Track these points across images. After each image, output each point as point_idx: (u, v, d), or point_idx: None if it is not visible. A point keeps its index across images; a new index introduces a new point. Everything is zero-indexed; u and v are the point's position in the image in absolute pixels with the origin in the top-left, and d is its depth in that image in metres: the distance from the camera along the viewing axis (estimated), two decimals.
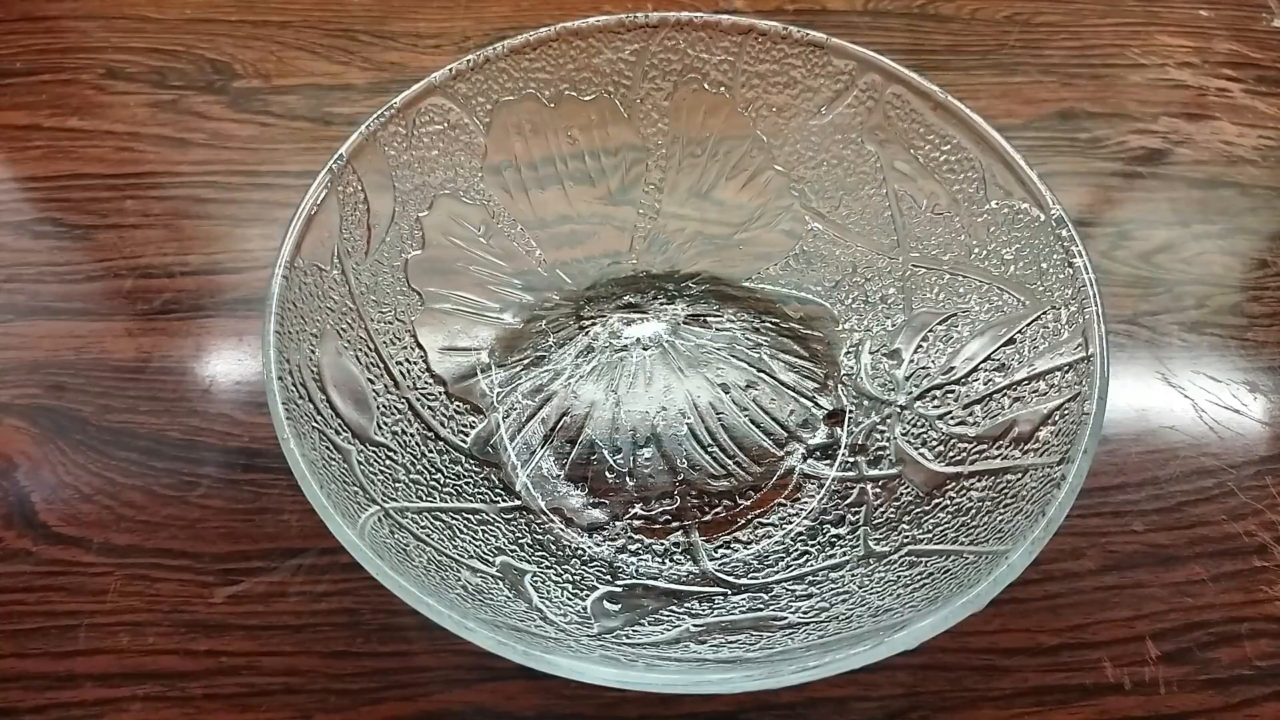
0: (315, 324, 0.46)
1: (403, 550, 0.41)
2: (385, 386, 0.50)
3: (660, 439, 0.55)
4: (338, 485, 0.41)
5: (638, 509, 0.52)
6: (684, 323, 0.59)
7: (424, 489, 0.47)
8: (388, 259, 0.52)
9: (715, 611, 0.46)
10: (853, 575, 0.46)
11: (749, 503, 0.53)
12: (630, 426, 0.55)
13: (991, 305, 0.51)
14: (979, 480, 0.46)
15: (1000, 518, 0.43)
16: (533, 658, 0.36)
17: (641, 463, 0.54)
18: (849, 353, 0.57)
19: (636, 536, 0.51)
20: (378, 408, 0.48)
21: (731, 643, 0.43)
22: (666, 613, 0.47)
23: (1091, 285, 0.46)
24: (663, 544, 0.51)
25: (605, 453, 0.54)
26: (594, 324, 0.59)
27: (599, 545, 0.50)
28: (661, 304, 0.60)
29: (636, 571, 0.49)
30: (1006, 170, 0.50)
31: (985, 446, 0.47)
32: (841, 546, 0.48)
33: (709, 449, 0.55)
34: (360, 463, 0.45)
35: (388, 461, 0.47)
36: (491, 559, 0.47)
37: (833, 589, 0.46)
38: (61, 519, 0.54)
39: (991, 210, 0.51)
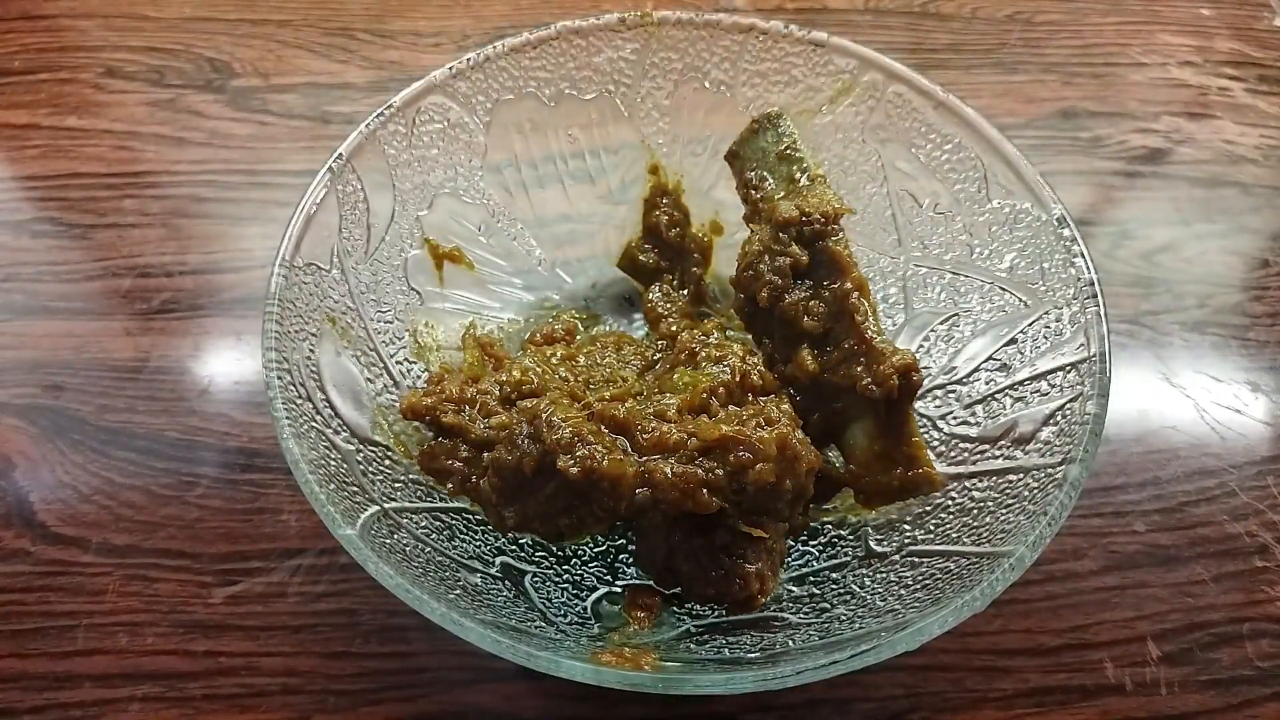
0: (314, 323, 0.46)
1: (402, 550, 0.41)
2: (385, 386, 0.50)
3: None
4: (337, 485, 0.41)
5: None
6: None
7: (424, 489, 0.47)
8: (387, 258, 0.52)
9: (716, 612, 0.46)
10: (854, 575, 0.46)
11: None
12: None
13: (993, 305, 0.51)
14: (980, 480, 0.46)
15: (1002, 518, 0.42)
16: (533, 658, 0.36)
17: None
18: None
19: None
20: (377, 407, 0.48)
21: (732, 643, 0.43)
22: (667, 613, 0.47)
23: (1094, 285, 0.46)
24: None
25: None
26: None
27: (599, 545, 0.50)
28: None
29: (637, 572, 0.49)
30: (1008, 169, 0.50)
31: (987, 447, 0.47)
32: (843, 546, 0.48)
33: None
34: (360, 463, 0.44)
35: (387, 461, 0.47)
36: (491, 559, 0.46)
37: (834, 589, 0.46)
38: (60, 519, 0.54)
39: (993, 210, 0.51)
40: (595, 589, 0.48)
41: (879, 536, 0.47)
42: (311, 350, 0.45)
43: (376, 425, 0.47)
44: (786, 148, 0.49)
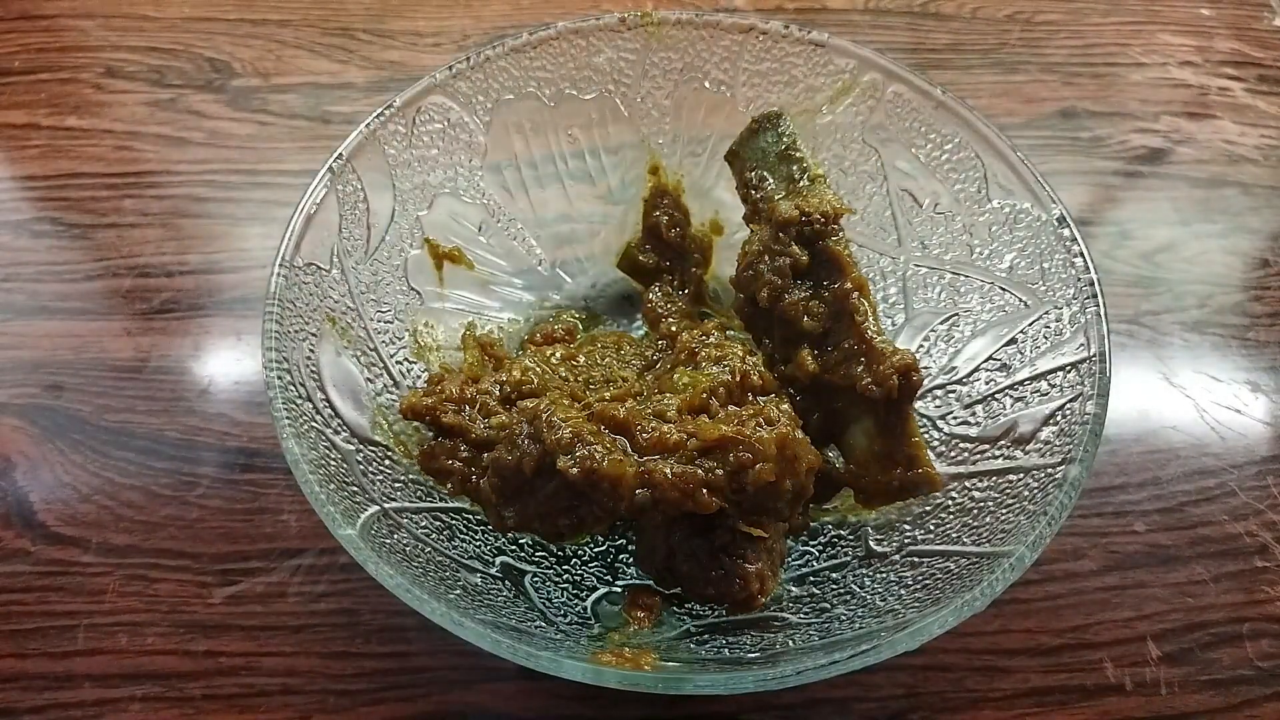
0: (314, 323, 0.46)
1: (402, 550, 0.41)
2: (385, 386, 0.50)
3: None
4: (337, 485, 0.41)
5: None
6: None
7: (423, 489, 0.47)
8: (387, 258, 0.52)
9: (716, 611, 0.46)
10: (854, 575, 0.46)
11: None
12: None
13: (993, 305, 0.51)
14: (980, 480, 0.46)
15: (1002, 518, 0.42)
16: (533, 658, 0.36)
17: None
18: None
19: None
20: (377, 407, 0.48)
21: (732, 643, 0.43)
22: (667, 613, 0.47)
23: (1094, 285, 0.46)
24: None
25: None
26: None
27: (599, 545, 0.50)
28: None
29: (637, 572, 0.49)
30: (1008, 169, 0.50)
31: (987, 447, 0.47)
32: (843, 546, 0.48)
33: None
34: (360, 463, 0.44)
35: (387, 461, 0.47)
36: (491, 559, 0.46)
37: (834, 589, 0.46)
38: (60, 519, 0.54)
39: (993, 210, 0.51)
40: (595, 589, 0.48)
41: (879, 536, 0.47)
42: (311, 350, 0.45)
43: (376, 425, 0.47)
44: (786, 148, 0.49)
